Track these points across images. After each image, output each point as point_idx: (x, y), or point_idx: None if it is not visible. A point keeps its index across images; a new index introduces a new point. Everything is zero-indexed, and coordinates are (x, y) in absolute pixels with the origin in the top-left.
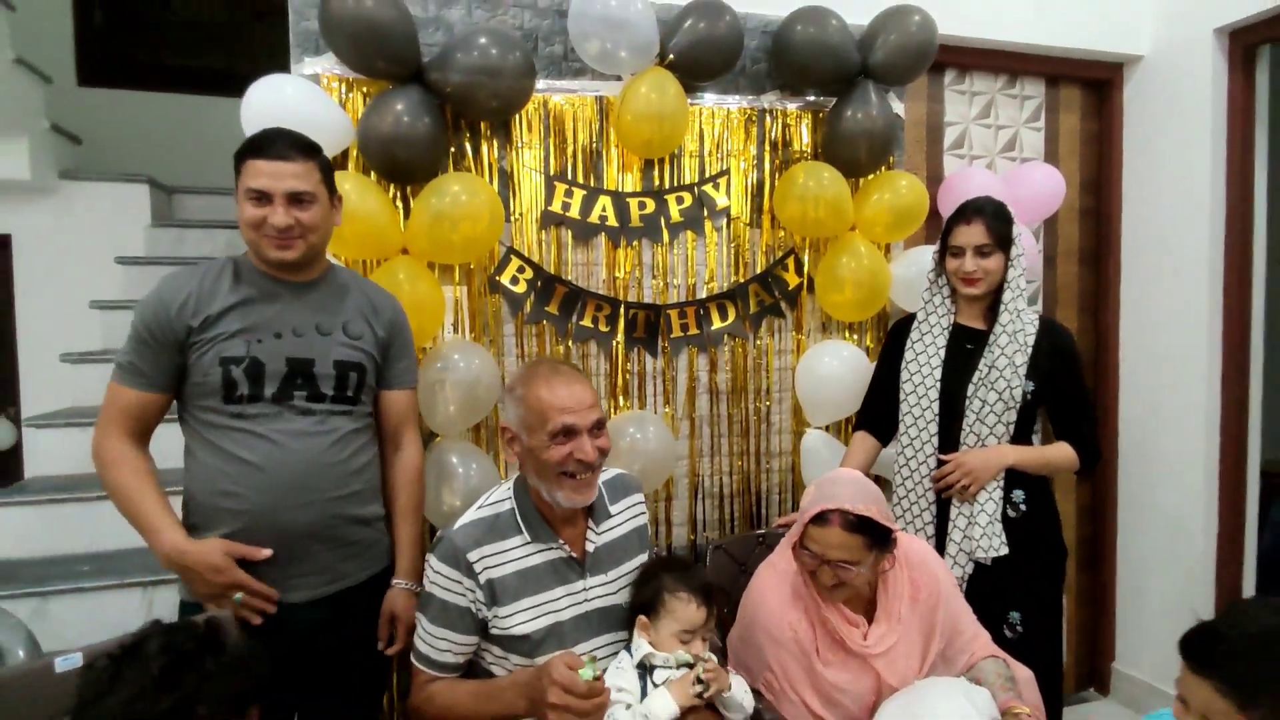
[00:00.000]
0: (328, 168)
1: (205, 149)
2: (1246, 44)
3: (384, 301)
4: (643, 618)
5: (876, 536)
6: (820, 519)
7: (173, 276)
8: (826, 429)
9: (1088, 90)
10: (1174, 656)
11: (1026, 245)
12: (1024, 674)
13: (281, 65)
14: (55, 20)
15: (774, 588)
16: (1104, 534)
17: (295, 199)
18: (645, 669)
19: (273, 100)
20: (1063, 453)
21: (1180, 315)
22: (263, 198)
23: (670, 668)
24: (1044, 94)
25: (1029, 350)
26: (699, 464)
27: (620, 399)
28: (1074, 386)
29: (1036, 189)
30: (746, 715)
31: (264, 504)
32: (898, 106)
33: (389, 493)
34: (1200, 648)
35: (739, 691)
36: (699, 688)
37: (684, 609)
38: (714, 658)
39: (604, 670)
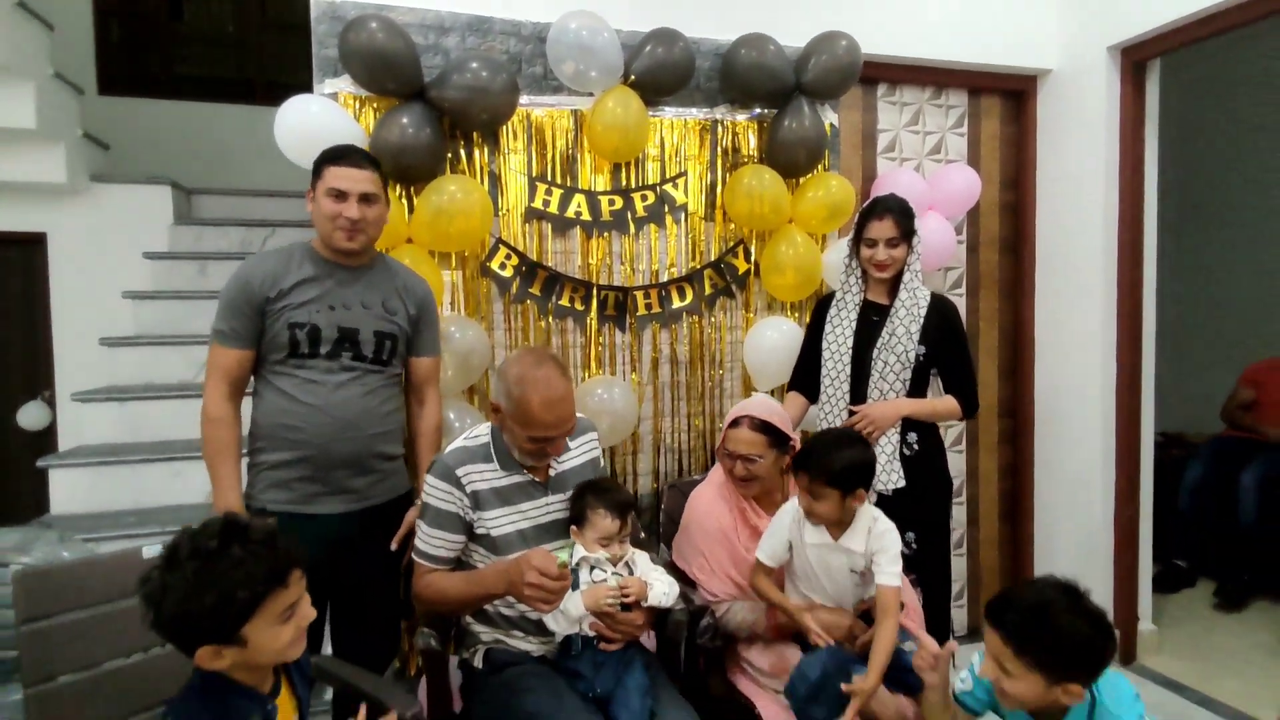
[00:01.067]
0: (385, 178)
1: (220, 153)
2: (1137, 59)
3: (416, 284)
4: (574, 528)
5: (776, 438)
6: (735, 423)
7: (255, 259)
8: (771, 392)
9: (1006, 99)
10: (1090, 593)
11: (946, 236)
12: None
13: (287, 73)
14: (78, 33)
15: (706, 493)
16: (1021, 490)
17: (365, 199)
18: (575, 570)
19: (301, 115)
20: (948, 404)
21: (1083, 298)
22: (341, 196)
23: (603, 569)
24: (967, 103)
25: (921, 321)
26: (661, 423)
27: (593, 367)
28: (957, 350)
29: (956, 187)
30: (671, 599)
31: (319, 435)
32: (831, 117)
33: (413, 437)
34: (996, 607)
35: (658, 594)
36: (613, 599)
37: (601, 521)
38: (641, 559)
39: (563, 559)
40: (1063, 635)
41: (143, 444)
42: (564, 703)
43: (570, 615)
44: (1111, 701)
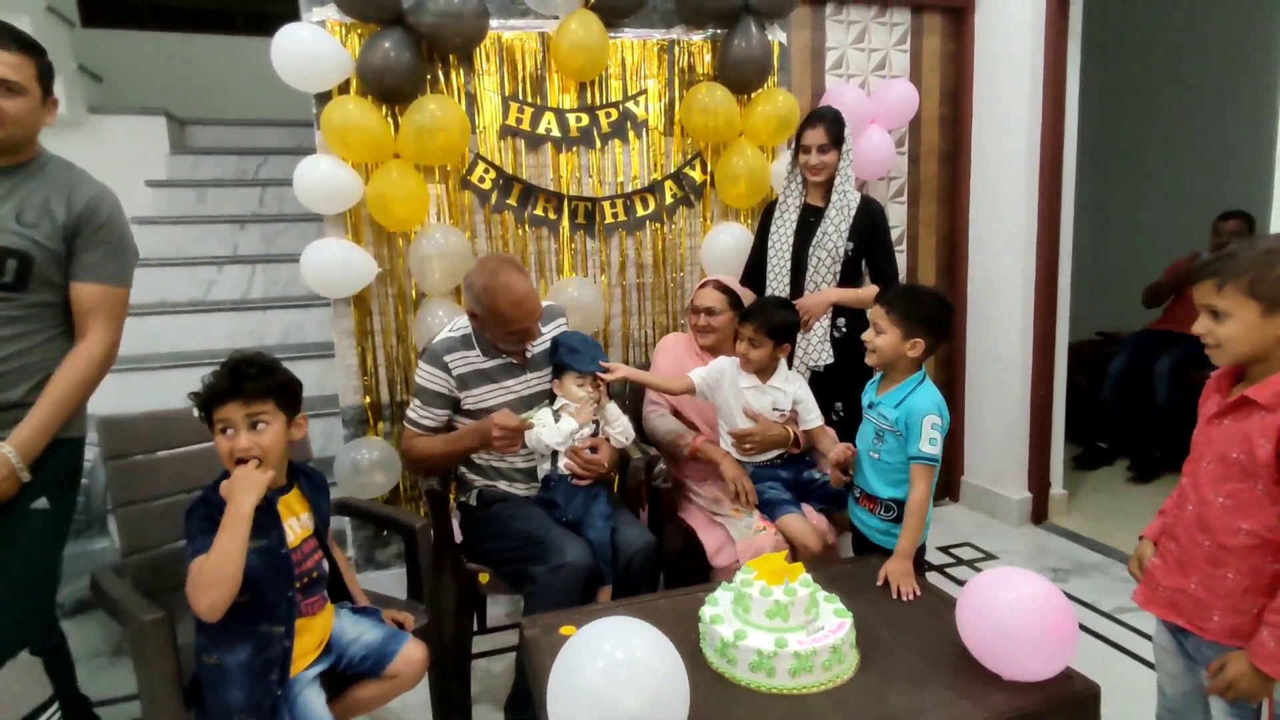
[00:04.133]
0: (48, 72)
1: (209, 84)
2: None
3: (83, 194)
4: (554, 380)
5: (734, 301)
6: (703, 285)
7: None
8: None
9: (946, 16)
10: (1005, 469)
11: (886, 147)
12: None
13: (276, 5)
14: None
15: (674, 340)
16: (955, 377)
17: (3, 86)
18: (556, 414)
19: (293, 41)
20: (871, 292)
21: (1010, 203)
22: None
23: (570, 413)
24: (910, 21)
25: (851, 220)
26: (629, 321)
27: (566, 270)
28: (881, 245)
29: (896, 101)
30: (629, 438)
31: None
32: (780, 35)
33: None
34: (887, 295)
35: (616, 434)
36: (573, 421)
37: (570, 377)
38: (611, 407)
39: (529, 419)
40: (922, 300)
41: (161, 354)
42: (546, 524)
43: (543, 441)
44: (928, 388)
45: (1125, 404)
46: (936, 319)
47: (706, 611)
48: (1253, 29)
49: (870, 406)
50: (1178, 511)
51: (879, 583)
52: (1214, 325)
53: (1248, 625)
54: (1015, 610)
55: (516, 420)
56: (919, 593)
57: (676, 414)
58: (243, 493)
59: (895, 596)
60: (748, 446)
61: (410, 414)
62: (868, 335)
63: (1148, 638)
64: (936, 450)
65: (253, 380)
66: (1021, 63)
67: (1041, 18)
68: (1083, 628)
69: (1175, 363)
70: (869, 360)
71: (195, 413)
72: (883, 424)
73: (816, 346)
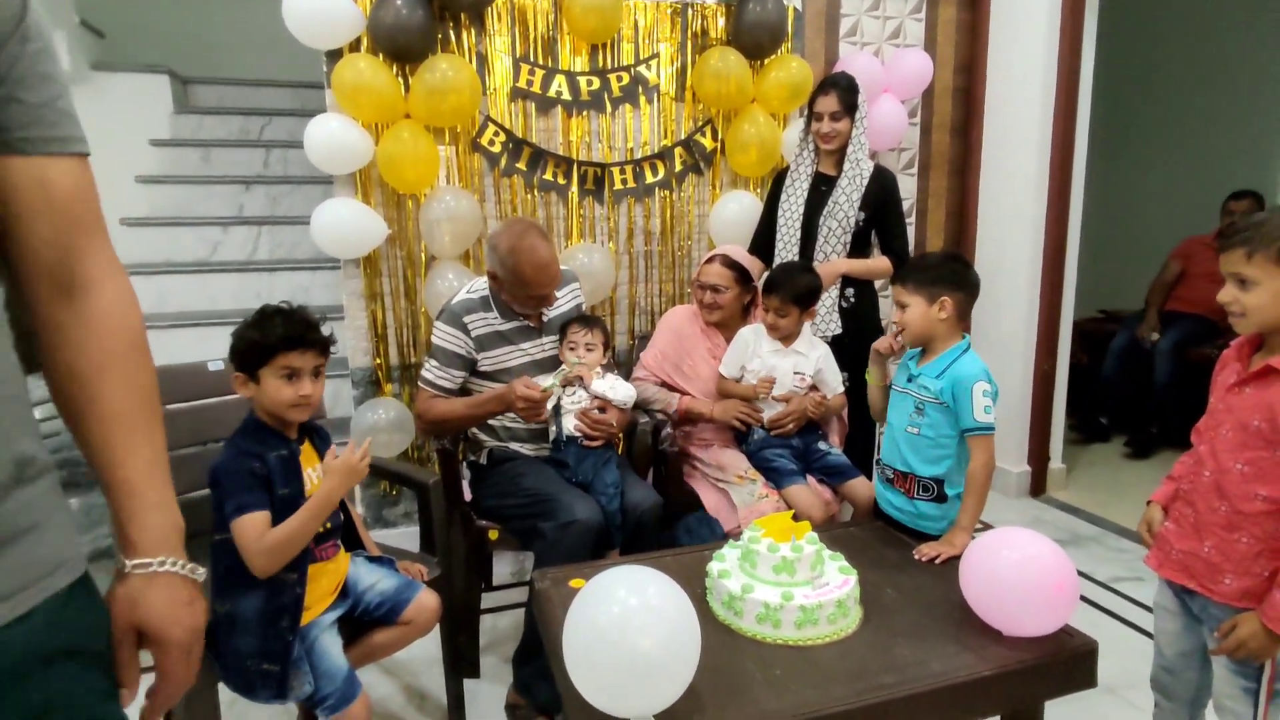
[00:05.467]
0: None
1: (212, 43)
2: None
3: None
4: (560, 347)
5: (741, 276)
6: (710, 260)
7: None
8: None
9: None
10: (1006, 442)
11: (899, 118)
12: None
13: None
14: None
15: (678, 310)
16: None
17: None
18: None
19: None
20: (881, 263)
21: (1020, 178)
22: None
23: (580, 392)
24: None
25: (863, 189)
26: (635, 289)
27: (575, 236)
28: (893, 216)
29: (911, 71)
30: (625, 402)
31: None
32: (795, 1)
33: (66, 391)
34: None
35: (619, 397)
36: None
37: (573, 334)
38: (610, 375)
39: (550, 389)
40: (931, 261)
41: (169, 313)
42: (556, 482)
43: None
44: (973, 356)
45: (1125, 381)
46: (952, 272)
47: (714, 567)
48: (1264, 11)
49: (910, 380)
50: (1194, 477)
51: (923, 558)
52: (1241, 293)
53: (1258, 588)
54: (1018, 569)
55: (538, 391)
56: (955, 555)
57: (666, 386)
58: (342, 480)
59: (927, 560)
60: (790, 426)
61: (426, 374)
62: (895, 317)
63: (1141, 605)
64: (992, 418)
65: (316, 330)
66: (1037, 36)
67: None
68: (1080, 596)
69: (1176, 341)
70: (904, 340)
71: (224, 362)
72: (924, 395)
73: (825, 317)
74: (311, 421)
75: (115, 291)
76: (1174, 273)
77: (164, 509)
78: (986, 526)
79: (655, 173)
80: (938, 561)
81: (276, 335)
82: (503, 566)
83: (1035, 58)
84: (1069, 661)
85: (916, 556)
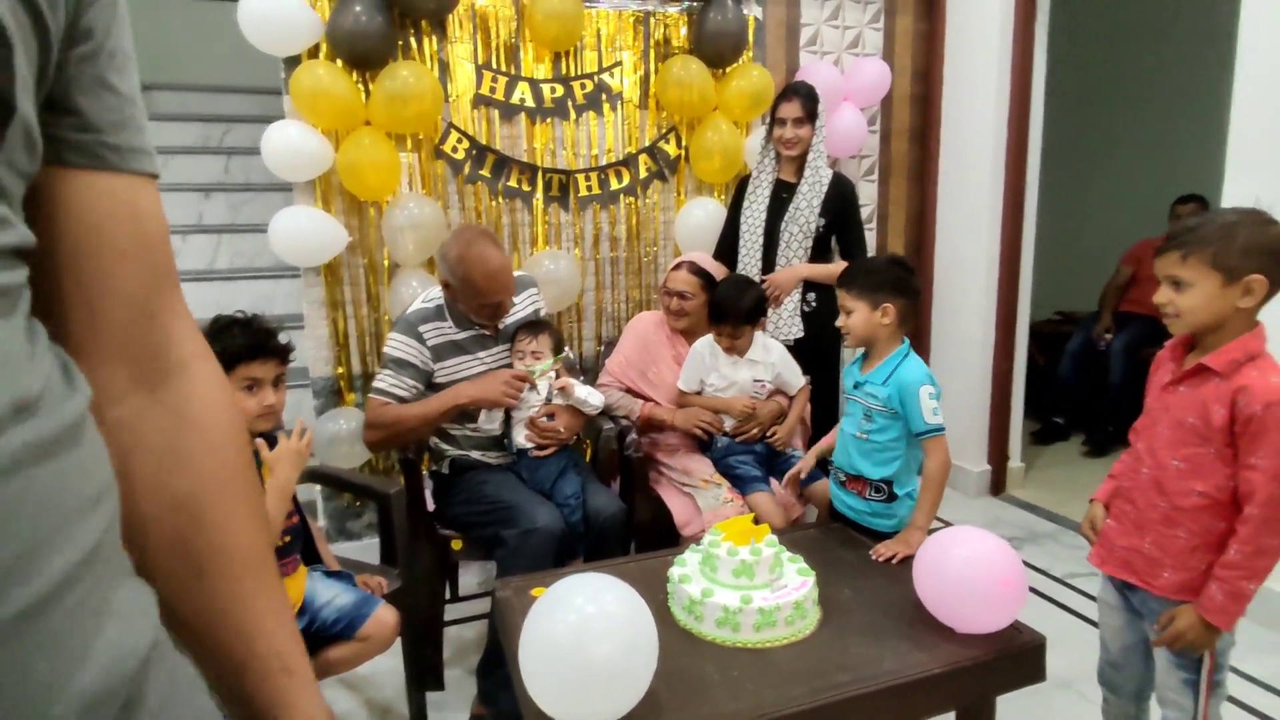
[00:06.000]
0: None
1: (176, 48)
2: None
3: None
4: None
5: (708, 283)
6: (677, 266)
7: None
8: None
9: None
10: (966, 442)
11: (858, 125)
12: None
13: None
14: None
15: (643, 322)
16: (920, 352)
17: None
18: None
19: (261, 5)
20: (840, 267)
21: (976, 183)
22: None
23: (538, 392)
24: None
25: (823, 196)
26: (602, 295)
27: (540, 243)
28: (852, 222)
29: (869, 79)
30: (597, 407)
31: None
32: (755, 10)
33: (166, 528)
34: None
35: (581, 396)
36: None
37: (520, 342)
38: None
39: (535, 373)
40: (876, 267)
41: None
42: (518, 489)
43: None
44: (914, 360)
45: (1081, 381)
46: (895, 278)
47: (675, 572)
48: (1208, 22)
49: (856, 387)
50: (1133, 475)
51: (879, 558)
52: (1175, 295)
53: (1195, 581)
54: (967, 566)
55: (533, 374)
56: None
57: (631, 392)
58: (292, 466)
59: (884, 560)
60: (754, 431)
61: (379, 383)
62: (840, 321)
63: (1096, 601)
64: (940, 419)
65: (275, 339)
66: (990, 45)
67: (1011, 1)
68: (1035, 592)
69: (1128, 342)
70: (848, 343)
71: None
72: (872, 403)
73: (787, 321)
74: (271, 433)
75: (212, 377)
76: (1126, 275)
77: (316, 686)
78: (946, 524)
79: (620, 179)
80: (894, 561)
81: (238, 345)
82: (470, 577)
83: (989, 67)
84: (1018, 657)
85: (873, 556)
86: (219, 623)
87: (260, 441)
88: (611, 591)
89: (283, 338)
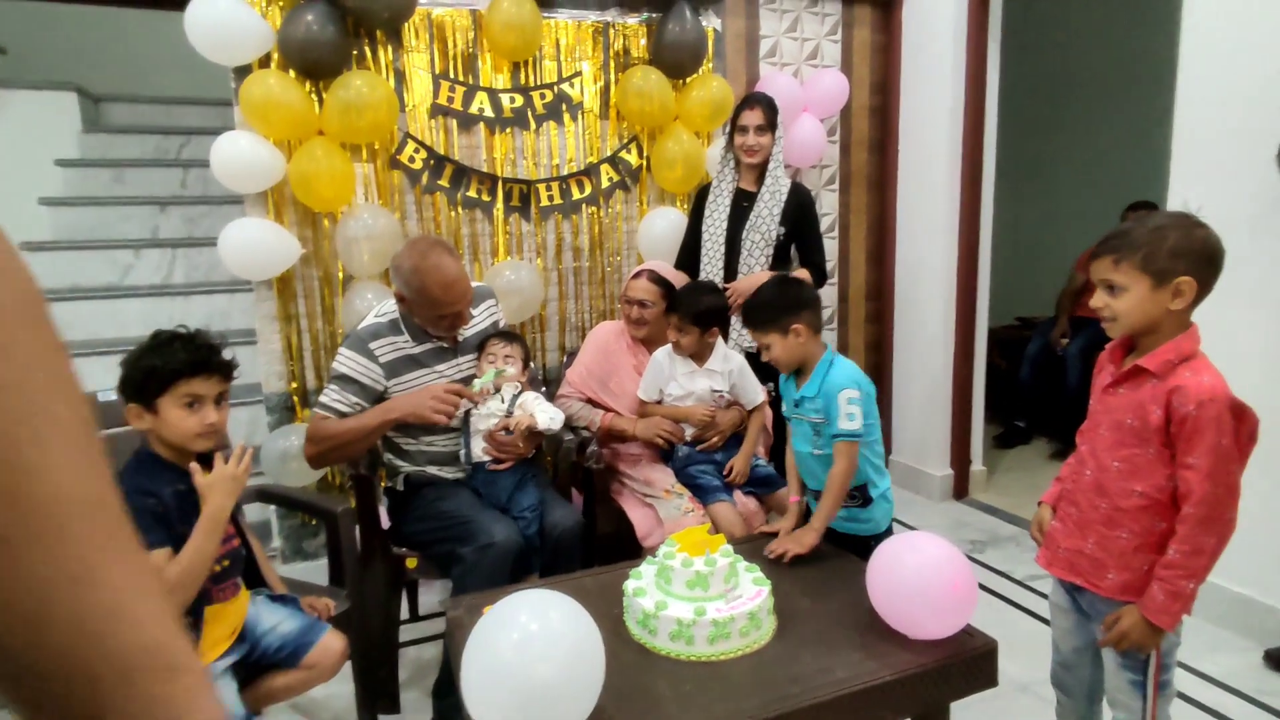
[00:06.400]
0: None
1: (127, 59)
2: None
3: None
4: (478, 360)
5: (668, 292)
6: (637, 275)
7: None
8: None
9: (876, 8)
10: (929, 447)
11: (818, 136)
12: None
13: None
14: None
15: (604, 331)
16: (884, 360)
17: None
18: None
19: (209, 12)
20: (801, 274)
21: (934, 191)
22: None
23: (497, 406)
24: (841, 11)
25: (782, 204)
26: (565, 305)
27: (501, 254)
28: (811, 230)
29: (827, 90)
30: (557, 422)
31: None
32: (714, 22)
33: None
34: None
35: (544, 419)
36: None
37: (491, 346)
38: (529, 395)
39: (487, 383)
40: (770, 300)
41: (74, 342)
42: (473, 505)
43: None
44: (839, 364)
45: (1040, 385)
46: (790, 299)
47: (630, 585)
48: (1156, 32)
49: (797, 405)
50: (1076, 477)
51: (772, 555)
52: (1110, 299)
53: (1138, 581)
54: (917, 573)
55: (467, 390)
56: (801, 553)
57: (592, 402)
58: (226, 495)
59: (775, 557)
60: (715, 440)
61: (322, 399)
62: (765, 357)
63: None
64: (856, 425)
65: (219, 355)
66: (944, 57)
67: (964, 14)
68: (996, 594)
69: (1083, 346)
70: (784, 373)
71: (115, 394)
72: (816, 419)
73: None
74: (211, 453)
75: None
76: (1079, 281)
77: None
78: (910, 529)
79: (582, 189)
80: (785, 560)
81: (179, 361)
82: (431, 596)
83: (944, 78)
84: (970, 662)
85: (767, 554)
86: None
87: (195, 466)
88: (557, 608)
89: (228, 353)
